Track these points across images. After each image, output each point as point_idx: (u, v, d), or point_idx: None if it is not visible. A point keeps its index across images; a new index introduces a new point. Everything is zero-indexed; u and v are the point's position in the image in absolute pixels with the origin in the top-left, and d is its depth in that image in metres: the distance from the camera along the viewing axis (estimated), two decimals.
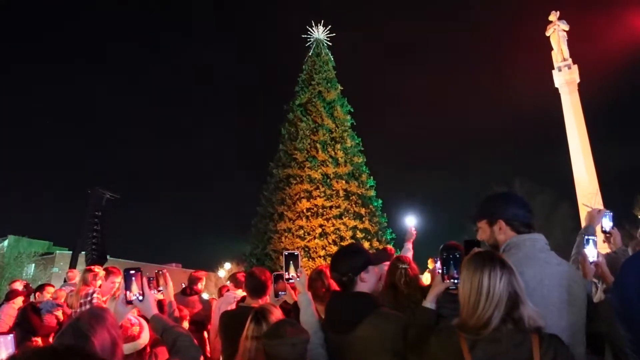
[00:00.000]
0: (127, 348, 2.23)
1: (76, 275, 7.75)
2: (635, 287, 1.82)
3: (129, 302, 2.14)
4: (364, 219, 18.81)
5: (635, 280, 1.84)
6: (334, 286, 3.42)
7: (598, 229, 3.08)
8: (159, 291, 2.87)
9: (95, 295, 4.34)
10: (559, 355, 1.56)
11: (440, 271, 2.14)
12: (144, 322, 2.35)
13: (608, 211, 3.12)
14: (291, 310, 2.79)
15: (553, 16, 24.82)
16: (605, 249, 3.23)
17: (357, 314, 2.16)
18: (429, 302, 2.13)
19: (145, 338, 2.35)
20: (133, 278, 2.17)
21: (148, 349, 2.39)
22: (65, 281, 8.65)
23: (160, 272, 2.90)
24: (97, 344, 1.58)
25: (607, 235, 3.12)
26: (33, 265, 43.43)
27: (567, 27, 24.62)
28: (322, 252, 17.51)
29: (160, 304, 3.14)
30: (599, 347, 2.35)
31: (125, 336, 2.26)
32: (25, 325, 5.47)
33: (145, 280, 2.21)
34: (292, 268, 2.61)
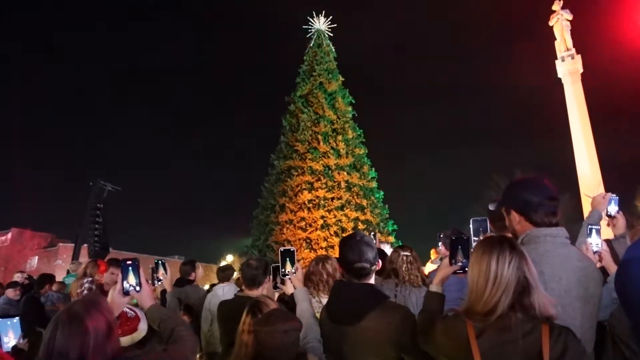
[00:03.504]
0: (125, 340, 2.22)
1: (79, 267, 7.79)
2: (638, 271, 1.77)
3: (126, 293, 2.14)
4: (365, 210, 18.81)
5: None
6: (333, 276, 3.42)
7: (604, 213, 3.05)
8: (158, 281, 2.88)
9: (87, 284, 4.36)
10: (570, 347, 1.51)
11: (439, 250, 2.11)
12: (142, 314, 2.34)
13: (614, 195, 3.08)
14: (289, 302, 2.79)
15: (556, 5, 24.60)
16: (609, 233, 3.21)
17: (365, 305, 2.12)
18: (436, 286, 2.08)
19: (143, 330, 2.34)
20: (130, 268, 2.16)
21: (150, 335, 2.39)
22: (68, 273, 8.72)
23: (160, 262, 2.91)
24: (91, 327, 1.58)
25: (612, 219, 3.09)
26: (36, 257, 43.71)
27: (570, 17, 24.42)
28: (323, 244, 17.53)
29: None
30: (599, 337, 2.33)
31: (123, 329, 2.26)
32: (29, 316, 5.52)
33: (142, 270, 2.20)
34: (288, 264, 2.60)
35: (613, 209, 3.06)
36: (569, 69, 24.02)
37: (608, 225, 3.15)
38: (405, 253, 3.78)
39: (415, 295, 3.55)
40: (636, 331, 1.50)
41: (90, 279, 4.60)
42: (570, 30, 24.58)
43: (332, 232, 17.89)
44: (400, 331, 2.04)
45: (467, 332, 1.60)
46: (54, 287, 6.72)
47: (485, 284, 1.60)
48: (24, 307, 5.88)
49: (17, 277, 7.34)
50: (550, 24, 24.91)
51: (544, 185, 2.08)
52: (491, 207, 2.29)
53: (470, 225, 2.48)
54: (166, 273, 2.87)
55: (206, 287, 6.99)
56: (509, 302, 1.56)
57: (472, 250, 1.85)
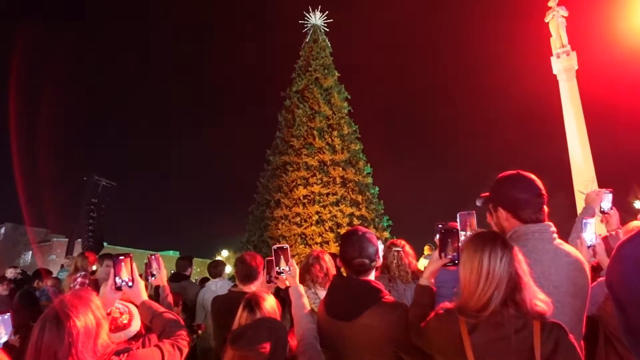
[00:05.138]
0: (116, 336, 2.20)
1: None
2: (631, 269, 1.76)
3: (118, 288, 2.12)
4: (360, 206, 18.78)
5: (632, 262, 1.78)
6: (331, 270, 3.42)
7: (597, 210, 3.06)
8: (152, 275, 2.86)
9: (80, 279, 4.33)
10: (561, 343, 1.52)
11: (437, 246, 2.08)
12: (135, 310, 2.33)
13: (607, 191, 3.09)
14: (285, 298, 2.78)
15: (552, 2, 24.61)
16: (602, 230, 3.22)
17: (364, 301, 2.12)
18: (426, 279, 2.07)
19: (136, 326, 2.32)
20: (122, 264, 2.14)
21: (143, 331, 2.37)
22: (62, 267, 8.68)
23: (153, 256, 2.89)
24: (79, 323, 1.57)
25: (605, 215, 3.10)
26: (30, 252, 43.48)
27: (566, 13, 24.42)
28: (318, 239, 17.52)
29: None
30: (591, 332, 2.34)
31: (116, 325, 2.24)
32: (24, 310, 5.48)
33: (134, 266, 2.18)
34: (282, 261, 2.58)
35: (606, 205, 3.07)
36: (564, 65, 24.05)
37: (602, 221, 3.16)
38: (396, 248, 3.75)
39: (410, 292, 3.55)
40: (626, 327, 1.50)
41: (83, 273, 4.57)
42: (566, 27, 24.61)
43: (327, 228, 17.86)
44: (397, 328, 2.03)
45: (460, 329, 1.60)
46: (49, 283, 6.69)
47: (477, 281, 1.60)
48: (19, 301, 5.85)
49: (10, 272, 7.29)
50: (546, 20, 24.92)
51: (531, 181, 2.05)
52: (478, 203, 2.27)
53: (457, 220, 2.47)
54: (160, 268, 2.85)
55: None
56: (501, 298, 1.57)
57: (462, 245, 1.84)
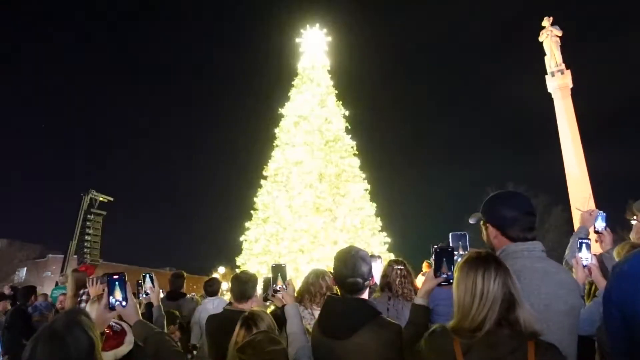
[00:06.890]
0: (108, 355, 2.18)
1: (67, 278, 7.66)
2: (624, 293, 1.76)
3: (112, 308, 2.10)
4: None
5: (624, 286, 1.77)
6: (332, 289, 3.40)
7: (591, 230, 3.06)
8: (146, 294, 2.84)
9: (85, 296, 4.27)
10: None
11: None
12: (128, 329, 2.31)
13: (601, 212, 3.10)
14: (281, 317, 2.76)
15: (546, 22, 25.03)
16: (597, 250, 3.23)
17: (357, 320, 2.11)
18: (421, 299, 2.08)
19: (128, 345, 2.30)
20: (116, 283, 2.13)
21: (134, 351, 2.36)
22: (57, 284, 8.59)
23: (148, 276, 2.87)
24: (72, 344, 1.55)
25: (599, 235, 3.11)
26: (25, 268, 42.99)
27: (560, 33, 24.83)
28: (317, 257, 17.42)
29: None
30: (588, 352, 2.32)
31: (109, 343, 2.22)
32: (15, 328, 5.40)
33: (128, 285, 2.17)
34: (280, 279, 2.57)
35: (600, 225, 3.08)
36: (559, 83, 24.37)
37: (596, 241, 3.16)
38: (398, 267, 3.75)
39: (408, 310, 3.52)
40: (631, 343, 1.48)
41: (87, 290, 4.50)
42: (560, 46, 24.99)
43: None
44: (390, 348, 2.02)
45: (454, 349, 1.59)
46: (41, 299, 6.62)
47: (472, 301, 1.60)
48: (11, 318, 5.76)
49: (5, 289, 7.22)
50: (540, 39, 25.31)
51: (521, 200, 2.07)
52: (471, 221, 2.28)
53: (450, 241, 2.46)
54: (154, 286, 2.83)
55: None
56: (495, 319, 1.56)
57: (456, 265, 1.84)
